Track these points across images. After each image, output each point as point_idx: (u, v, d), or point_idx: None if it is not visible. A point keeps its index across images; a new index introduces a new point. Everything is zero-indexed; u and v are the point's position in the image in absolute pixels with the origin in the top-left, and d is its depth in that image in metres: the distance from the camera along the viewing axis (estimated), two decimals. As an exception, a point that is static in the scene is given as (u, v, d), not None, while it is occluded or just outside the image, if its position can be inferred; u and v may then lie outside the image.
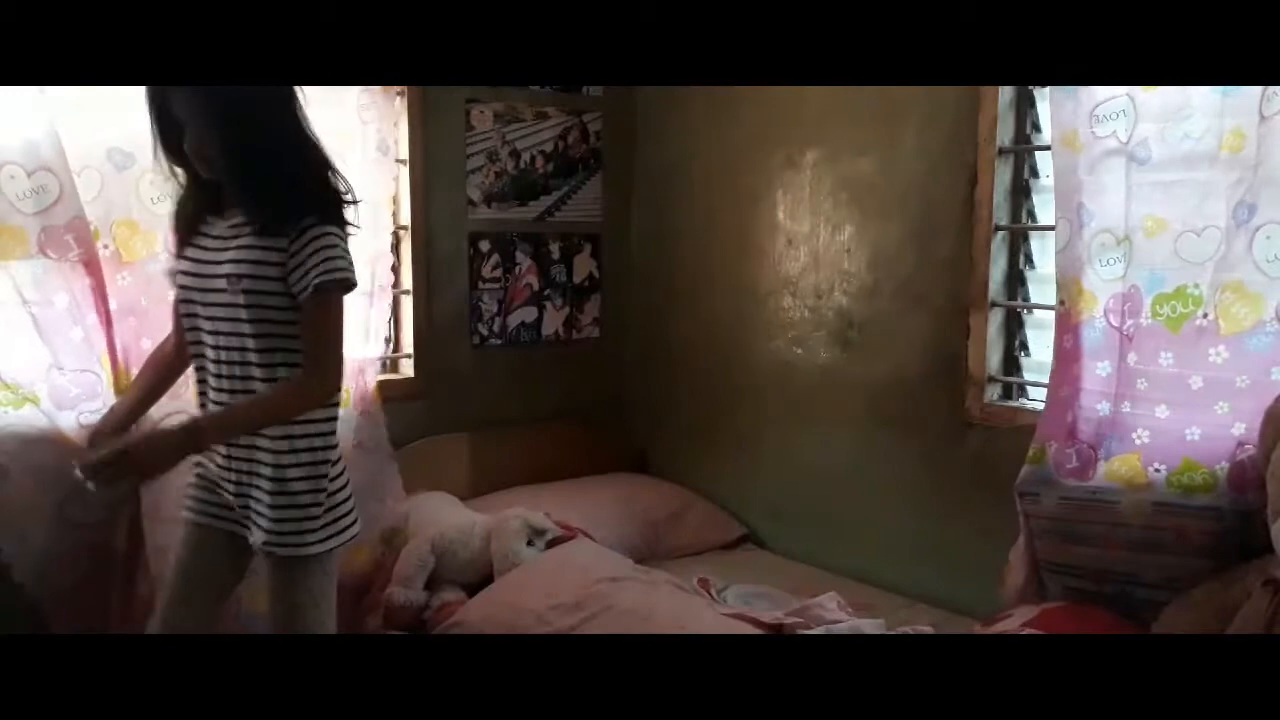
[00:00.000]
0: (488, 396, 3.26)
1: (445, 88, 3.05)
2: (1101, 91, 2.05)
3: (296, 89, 1.78)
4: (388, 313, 2.91)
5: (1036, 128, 2.53)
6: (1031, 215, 2.56)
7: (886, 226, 2.77)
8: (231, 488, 1.84)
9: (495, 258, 3.26)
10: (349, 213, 1.82)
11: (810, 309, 2.98)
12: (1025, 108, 2.52)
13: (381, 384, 2.85)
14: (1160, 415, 2.05)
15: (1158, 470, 2.04)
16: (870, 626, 2.30)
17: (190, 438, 1.73)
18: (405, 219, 3.04)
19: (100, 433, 1.88)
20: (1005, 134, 2.51)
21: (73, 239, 2.29)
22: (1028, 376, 2.59)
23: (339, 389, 1.84)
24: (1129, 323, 2.08)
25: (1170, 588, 1.99)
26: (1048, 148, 2.33)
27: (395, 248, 2.96)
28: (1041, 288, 2.54)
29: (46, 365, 2.31)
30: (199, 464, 1.91)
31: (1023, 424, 2.37)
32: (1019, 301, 2.58)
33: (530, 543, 2.68)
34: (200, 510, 1.92)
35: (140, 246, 2.39)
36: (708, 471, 3.32)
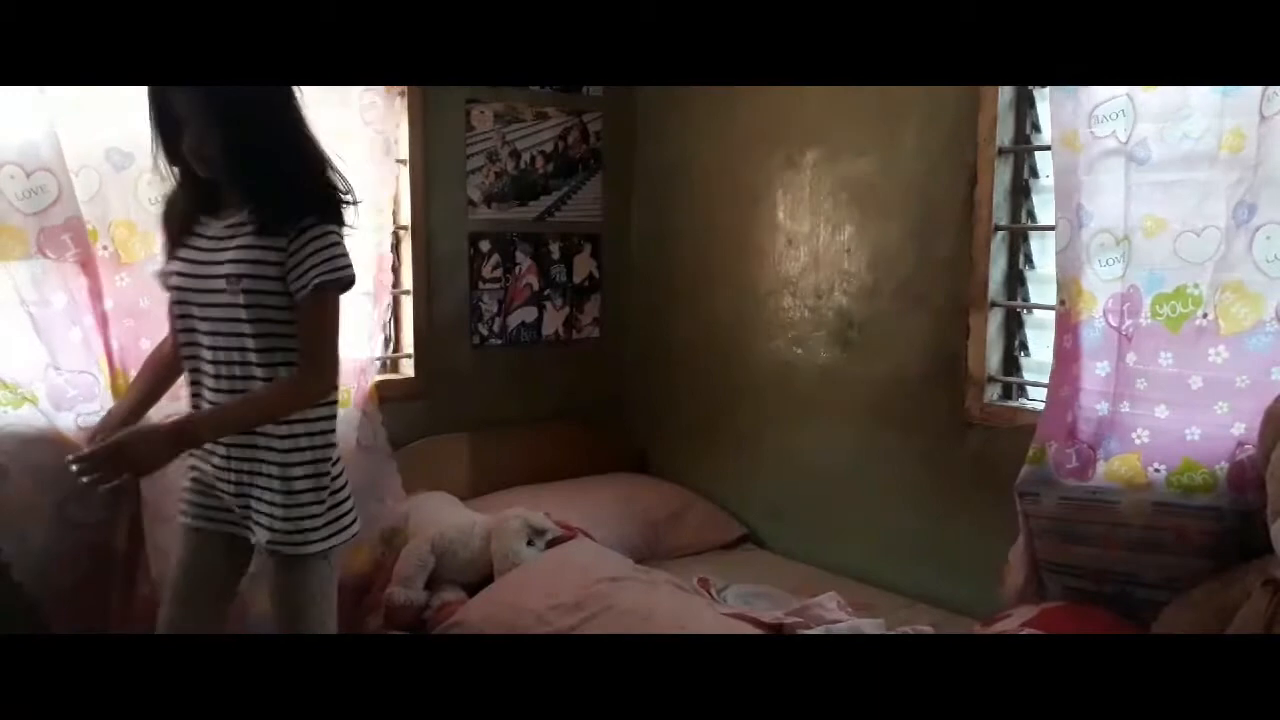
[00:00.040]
0: (488, 396, 3.26)
1: (445, 88, 3.05)
2: (1101, 91, 2.05)
3: (295, 89, 1.78)
4: (388, 313, 2.91)
5: (1036, 128, 2.53)
6: (1031, 215, 2.56)
7: (886, 226, 2.77)
8: (231, 488, 1.84)
9: (495, 258, 3.26)
10: (348, 212, 1.82)
11: (810, 309, 2.99)
12: (1025, 108, 2.52)
13: (381, 384, 2.86)
14: (1160, 415, 2.05)
15: (1157, 470, 2.04)
16: (870, 626, 2.30)
17: (185, 433, 1.73)
18: (405, 219, 3.04)
19: (99, 435, 1.88)
20: (1005, 134, 2.51)
21: (69, 239, 2.29)
22: (1028, 376, 2.59)
23: (335, 387, 1.85)
24: (1128, 323, 2.08)
25: (1170, 588, 2.00)
26: (1048, 148, 2.33)
27: (395, 248, 2.96)
28: (1041, 288, 2.54)
29: (44, 365, 2.31)
30: (194, 467, 1.91)
31: (1023, 424, 2.37)
32: (1019, 301, 2.58)
33: (530, 543, 2.68)
34: (197, 514, 1.92)
35: (139, 247, 2.39)
36: (708, 471, 3.32)
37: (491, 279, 3.26)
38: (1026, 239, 2.57)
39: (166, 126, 1.76)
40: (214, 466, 1.86)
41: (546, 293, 3.39)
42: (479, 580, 2.66)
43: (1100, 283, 2.10)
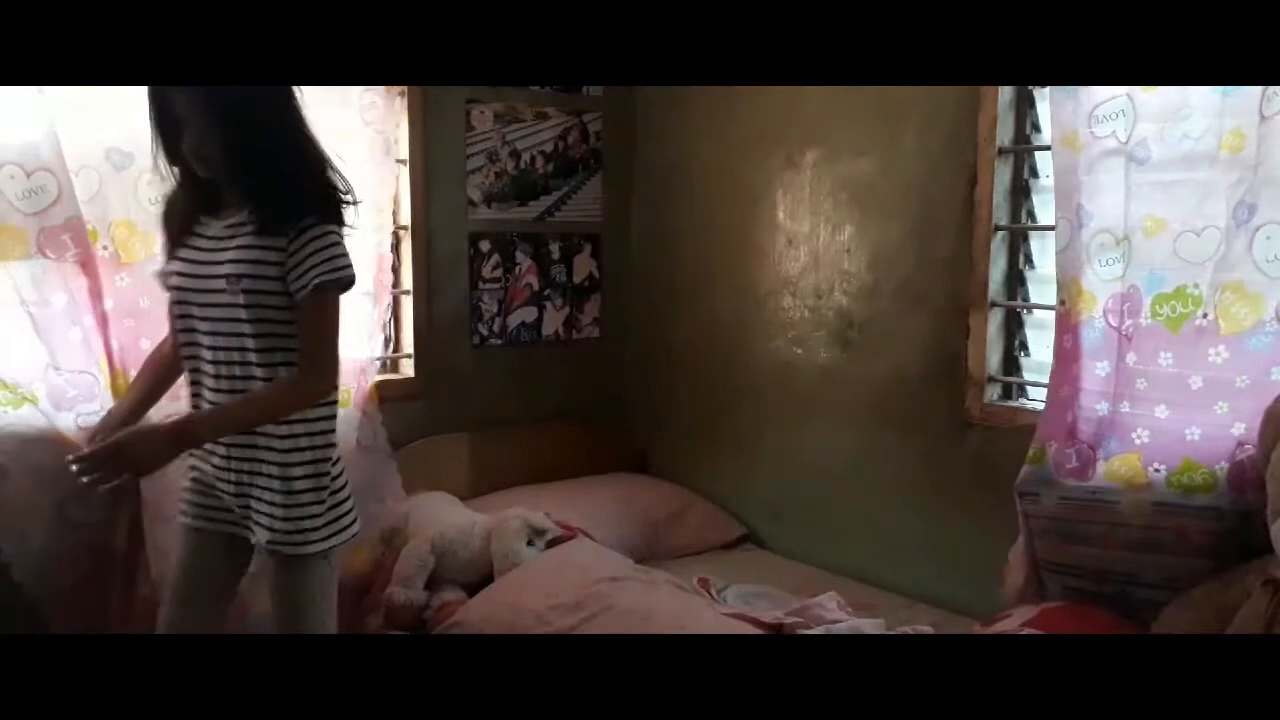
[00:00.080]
0: (488, 396, 3.26)
1: (445, 88, 3.05)
2: (1101, 92, 2.05)
3: (295, 89, 1.78)
4: (388, 313, 2.91)
5: (1036, 128, 2.53)
6: (1031, 215, 2.56)
7: (886, 226, 2.77)
8: (231, 488, 1.84)
9: (495, 258, 3.26)
10: (348, 212, 1.82)
11: (810, 309, 2.99)
12: (1025, 108, 2.52)
13: (381, 384, 2.86)
14: (1160, 415, 2.05)
15: (1157, 470, 2.04)
16: (870, 626, 2.30)
17: (185, 433, 1.73)
18: (405, 219, 3.04)
19: (99, 435, 1.88)
20: (1005, 134, 2.51)
21: (69, 239, 2.29)
22: (1027, 376, 2.59)
23: (335, 387, 1.85)
24: (1128, 323, 2.08)
25: (1170, 588, 1.99)
26: (1048, 148, 2.33)
27: (395, 248, 2.96)
28: (1041, 288, 2.54)
29: (44, 365, 2.31)
30: (194, 467, 1.91)
31: (1023, 424, 2.37)
32: (1019, 301, 2.58)
33: (530, 543, 2.68)
34: (197, 514, 1.92)
35: (139, 247, 2.39)
36: (708, 471, 3.32)
37: (491, 279, 3.26)
38: (1026, 239, 2.57)
39: (166, 126, 1.76)
40: (214, 466, 1.86)
41: (546, 293, 3.39)
42: (479, 580, 2.66)
43: (1100, 283, 2.10)
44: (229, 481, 1.84)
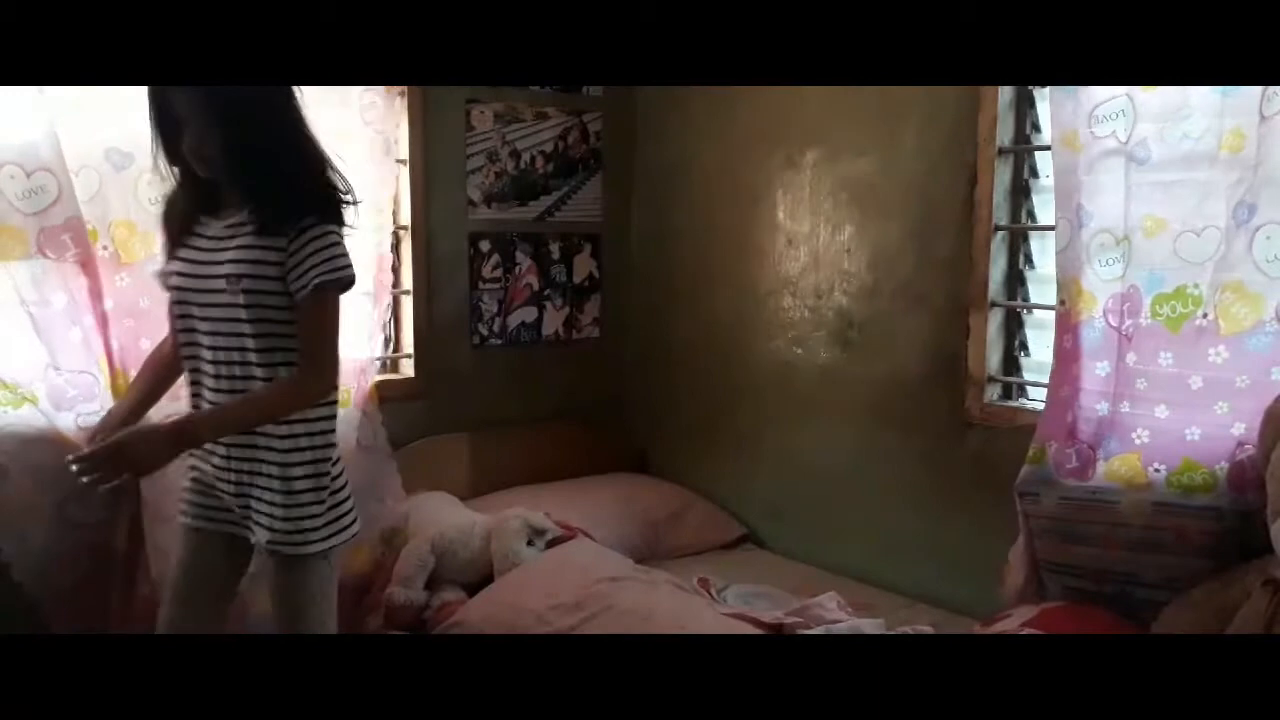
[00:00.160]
0: (488, 396, 3.26)
1: (445, 88, 3.05)
2: (1101, 92, 2.05)
3: (295, 89, 1.78)
4: (388, 313, 2.91)
5: (1036, 128, 2.53)
6: (1031, 215, 2.56)
7: (886, 226, 2.77)
8: (231, 489, 1.84)
9: (495, 258, 3.26)
10: (347, 212, 1.82)
11: (810, 309, 2.99)
12: (1025, 108, 2.52)
13: (381, 384, 2.86)
14: (1160, 415, 2.05)
15: (1157, 470, 2.04)
16: (870, 626, 2.30)
17: (185, 433, 1.73)
18: (405, 219, 3.04)
19: (99, 435, 1.88)
20: (1005, 134, 2.51)
21: (69, 239, 2.29)
22: (1027, 376, 2.59)
23: (335, 387, 1.85)
24: (1128, 323, 2.08)
25: (1170, 588, 1.99)
26: (1048, 148, 2.33)
27: (395, 248, 2.96)
28: (1041, 288, 2.54)
29: (44, 365, 2.31)
30: (194, 467, 1.91)
31: (1022, 424, 2.37)
32: (1019, 301, 2.58)
33: (530, 543, 2.68)
34: (197, 514, 1.92)
35: (139, 247, 2.39)
36: (708, 471, 3.32)
37: (491, 279, 3.26)
38: (1026, 239, 2.57)
39: (167, 127, 1.76)
40: (214, 467, 1.86)
41: (546, 293, 3.39)
42: (479, 580, 2.66)
43: (1100, 283, 2.10)
44: (229, 481, 1.84)
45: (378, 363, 2.86)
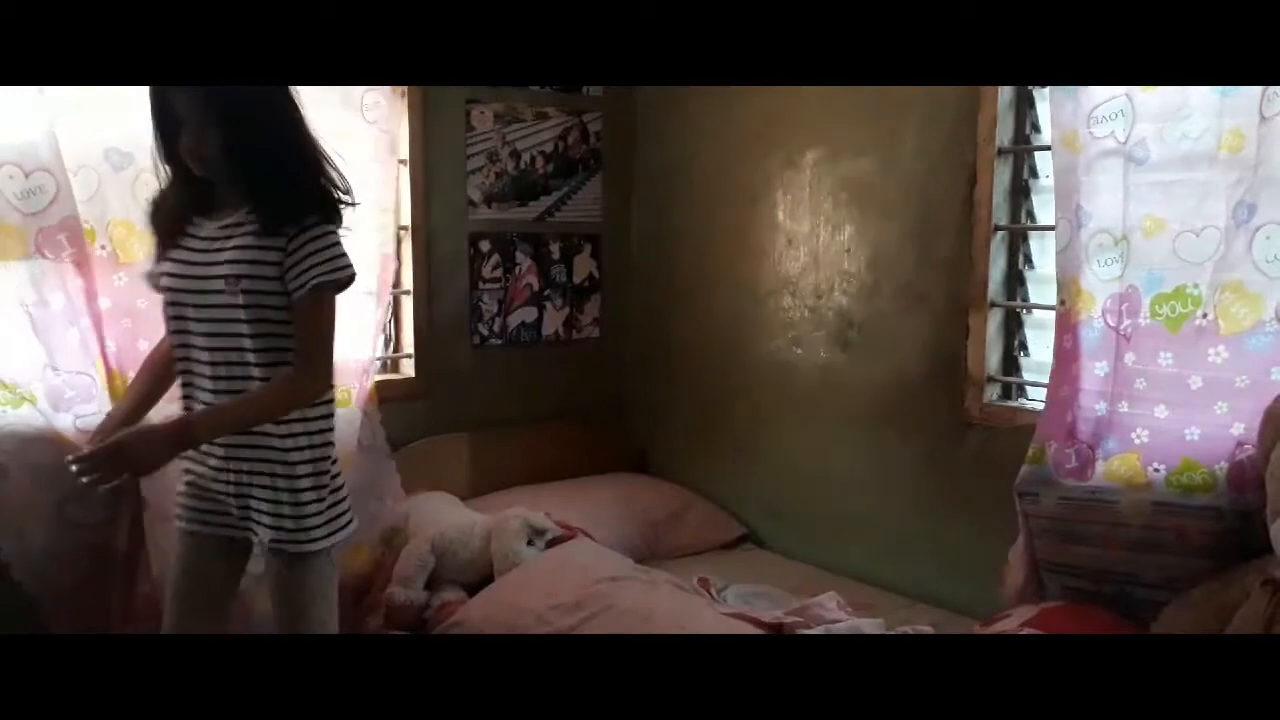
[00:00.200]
0: (488, 396, 3.26)
1: (445, 88, 3.05)
2: (1101, 92, 2.05)
3: (293, 88, 1.78)
4: (388, 313, 2.91)
5: (1036, 128, 2.53)
6: (1031, 215, 2.56)
7: (886, 226, 2.77)
8: (230, 489, 1.84)
9: (495, 258, 3.26)
10: (346, 213, 1.82)
11: (810, 309, 2.99)
12: (1025, 108, 2.52)
13: (381, 384, 2.86)
14: (1159, 415, 2.05)
15: (1157, 470, 2.04)
16: (870, 626, 2.30)
17: (184, 433, 1.73)
18: (406, 219, 3.03)
19: (99, 436, 1.88)
20: (1005, 134, 2.51)
21: (65, 239, 2.28)
22: (1027, 376, 2.59)
23: (331, 387, 1.85)
24: (1126, 323, 2.08)
25: (1170, 588, 2.00)
26: (1047, 148, 2.33)
27: (395, 248, 2.95)
28: (1041, 288, 2.54)
29: (42, 365, 2.31)
30: (189, 470, 1.90)
31: (1022, 424, 2.37)
32: (1019, 301, 2.58)
33: (530, 543, 2.68)
34: (192, 518, 1.91)
35: (137, 247, 2.38)
36: (707, 471, 3.32)
37: (491, 279, 3.26)
38: (1026, 239, 2.57)
39: (167, 127, 1.76)
40: (211, 468, 1.85)
41: (546, 293, 3.39)
42: (479, 580, 2.66)
43: (1099, 283, 2.10)
44: (227, 482, 1.84)
45: (378, 363, 2.86)
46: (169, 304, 1.84)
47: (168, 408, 2.02)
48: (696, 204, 3.31)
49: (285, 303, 1.76)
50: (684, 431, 3.42)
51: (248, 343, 1.77)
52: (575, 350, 3.47)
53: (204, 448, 1.83)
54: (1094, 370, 2.13)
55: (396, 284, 2.99)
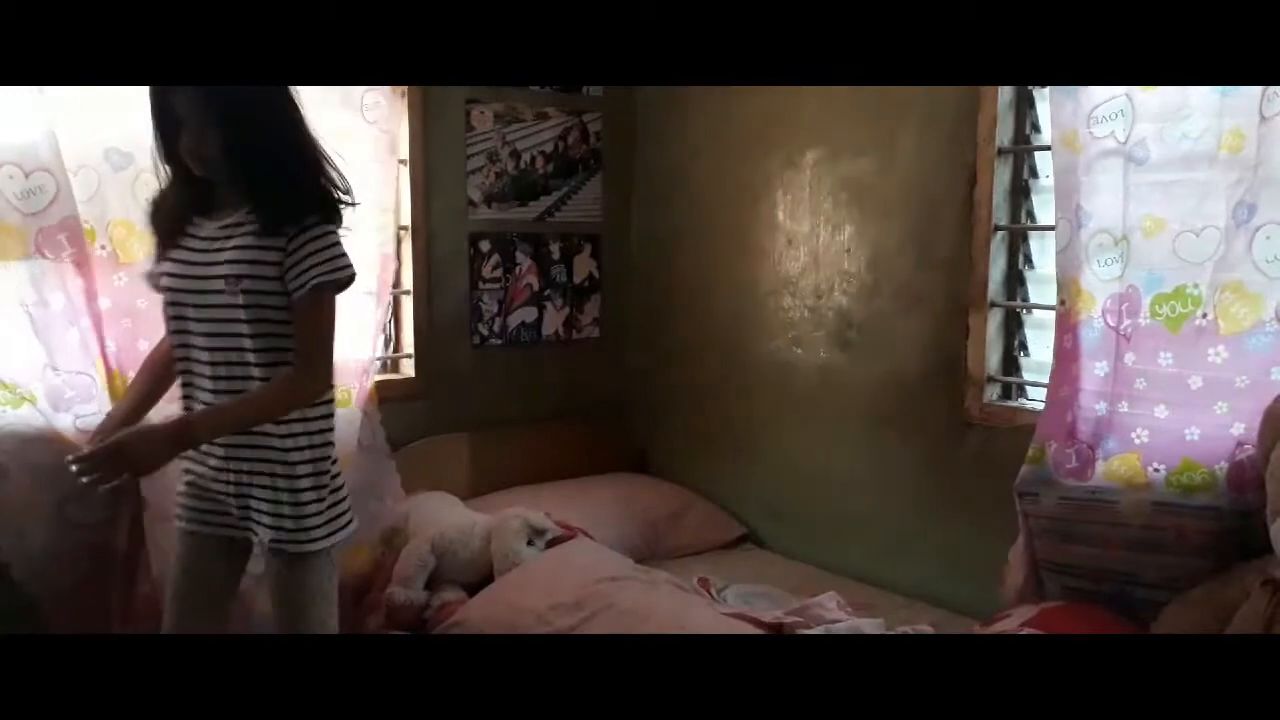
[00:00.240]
0: (488, 396, 3.26)
1: (445, 88, 3.05)
2: (1101, 92, 2.05)
3: (293, 88, 1.78)
4: (388, 313, 2.91)
5: (1036, 128, 2.53)
6: (1031, 215, 2.56)
7: (886, 226, 2.77)
8: (230, 489, 1.84)
9: (495, 258, 3.26)
10: (346, 213, 1.82)
11: (810, 309, 2.99)
12: (1025, 108, 2.52)
13: (381, 384, 2.86)
14: (1159, 415, 2.05)
15: (1157, 470, 2.04)
16: (870, 626, 2.30)
17: (184, 433, 1.73)
18: (406, 219, 3.03)
19: (99, 436, 1.88)
20: (1005, 134, 2.51)
21: (65, 238, 2.28)
22: (1027, 376, 2.59)
23: (330, 386, 1.85)
24: (1126, 323, 2.08)
25: (1169, 587, 2.00)
26: (1047, 148, 2.33)
27: (395, 248, 2.95)
28: (1041, 288, 2.54)
29: (42, 365, 2.31)
30: (188, 470, 1.90)
31: (1022, 424, 2.37)
32: (1019, 301, 2.58)
33: (530, 543, 2.68)
34: (192, 518, 1.91)
35: (137, 247, 2.38)
36: (707, 471, 3.32)
37: (491, 279, 3.26)
38: (1026, 239, 2.57)
39: (168, 127, 1.76)
40: (210, 468, 1.85)
41: (546, 293, 3.39)
42: (479, 580, 2.66)
43: (1099, 283, 2.10)
44: (227, 482, 1.84)
45: (378, 363, 2.86)
46: (169, 304, 1.84)
47: (168, 408, 2.02)
48: (696, 204, 3.31)
49: (285, 303, 1.76)
50: (684, 431, 3.42)
51: (248, 343, 1.77)
52: (575, 350, 3.47)
53: (204, 448, 1.83)
54: (1094, 370, 2.13)
55: (396, 284, 2.99)
